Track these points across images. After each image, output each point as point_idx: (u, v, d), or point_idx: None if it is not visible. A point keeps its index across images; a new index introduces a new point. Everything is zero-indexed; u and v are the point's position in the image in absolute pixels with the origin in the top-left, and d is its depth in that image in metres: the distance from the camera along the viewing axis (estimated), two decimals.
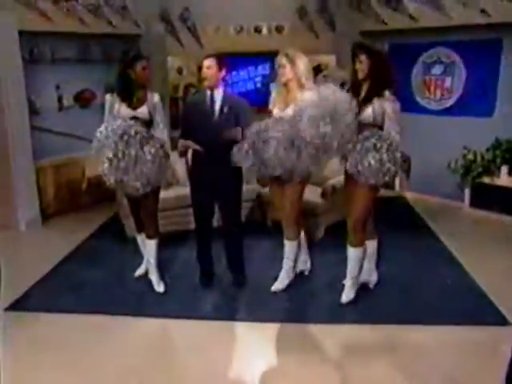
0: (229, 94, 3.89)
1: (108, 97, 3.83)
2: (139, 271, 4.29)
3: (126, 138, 3.45)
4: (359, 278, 3.80)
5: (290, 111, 3.53)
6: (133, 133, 3.48)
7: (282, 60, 3.63)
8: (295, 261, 4.00)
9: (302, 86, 3.62)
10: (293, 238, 3.88)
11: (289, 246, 3.91)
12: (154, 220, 3.95)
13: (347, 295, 3.75)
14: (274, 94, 3.82)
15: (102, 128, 3.52)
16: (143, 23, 6.66)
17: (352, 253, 3.66)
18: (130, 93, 3.72)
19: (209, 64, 3.67)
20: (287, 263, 3.97)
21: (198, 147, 3.65)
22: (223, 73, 3.75)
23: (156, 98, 3.81)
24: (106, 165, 3.43)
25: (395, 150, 3.28)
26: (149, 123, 3.76)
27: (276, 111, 3.70)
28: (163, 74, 6.74)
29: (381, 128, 3.39)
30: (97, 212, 5.84)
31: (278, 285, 3.99)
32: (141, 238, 4.16)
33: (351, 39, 5.54)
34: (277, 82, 3.77)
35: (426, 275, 4.26)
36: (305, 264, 4.23)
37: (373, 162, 3.24)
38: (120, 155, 3.41)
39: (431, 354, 3.17)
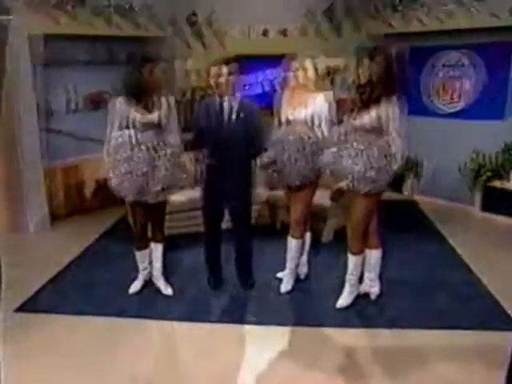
0: (239, 98, 3.75)
1: (120, 99, 3.61)
2: (134, 287, 4.04)
3: (136, 147, 3.50)
4: (359, 285, 3.79)
5: (302, 113, 3.66)
6: (144, 140, 3.52)
7: (292, 65, 3.66)
8: (298, 258, 4.03)
9: (311, 90, 3.69)
10: (298, 236, 3.92)
11: (292, 244, 3.94)
12: (163, 224, 3.98)
13: (345, 300, 3.74)
14: (285, 96, 3.84)
15: (113, 142, 3.56)
16: (152, 26, 6.67)
17: (350, 260, 3.65)
18: (142, 96, 3.59)
19: (223, 71, 3.61)
20: (291, 262, 3.99)
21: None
22: (235, 79, 3.70)
23: (170, 101, 3.71)
24: (120, 181, 3.54)
25: (380, 158, 3.23)
26: (161, 127, 3.64)
27: (288, 113, 3.74)
28: (172, 77, 6.75)
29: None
30: (106, 214, 5.84)
31: (287, 285, 4.01)
32: (139, 254, 3.98)
33: (360, 42, 5.53)
34: (287, 86, 3.81)
35: (435, 279, 4.23)
36: (303, 267, 4.22)
37: (356, 167, 3.24)
38: (134, 164, 3.48)
39: (439, 359, 3.14)
